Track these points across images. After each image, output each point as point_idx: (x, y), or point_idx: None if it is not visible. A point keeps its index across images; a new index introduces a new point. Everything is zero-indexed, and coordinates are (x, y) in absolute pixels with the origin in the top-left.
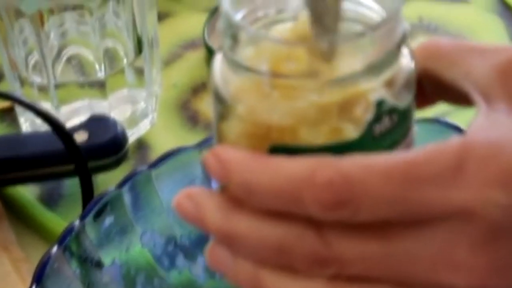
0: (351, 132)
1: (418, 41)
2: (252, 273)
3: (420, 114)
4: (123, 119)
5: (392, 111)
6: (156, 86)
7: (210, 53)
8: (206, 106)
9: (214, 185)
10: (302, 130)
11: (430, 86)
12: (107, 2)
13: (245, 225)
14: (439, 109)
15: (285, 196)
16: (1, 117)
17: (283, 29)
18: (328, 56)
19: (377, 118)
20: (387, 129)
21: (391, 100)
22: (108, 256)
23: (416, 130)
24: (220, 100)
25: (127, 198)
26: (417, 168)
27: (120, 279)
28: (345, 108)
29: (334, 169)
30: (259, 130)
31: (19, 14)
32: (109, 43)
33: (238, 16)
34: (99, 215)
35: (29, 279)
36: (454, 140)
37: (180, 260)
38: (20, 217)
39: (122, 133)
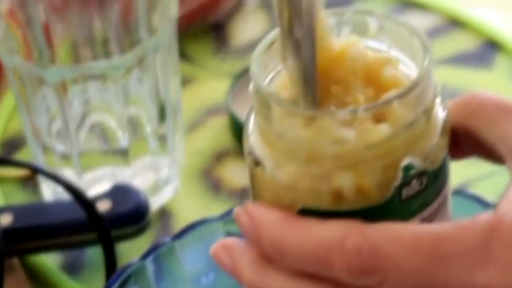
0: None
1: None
2: None
3: None
4: (146, 187)
5: (421, 174)
6: (179, 153)
7: (233, 119)
8: (229, 173)
9: None
10: (329, 195)
11: (467, 141)
12: (131, 70)
13: (277, 283)
14: (463, 177)
15: (315, 260)
16: (22, 185)
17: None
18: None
19: (405, 183)
20: (416, 191)
21: (419, 164)
22: None
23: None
24: (252, 159)
25: (150, 269)
26: (443, 244)
27: None
28: (373, 169)
29: (363, 237)
30: (288, 193)
31: (42, 82)
32: (132, 110)
33: (267, 81)
34: (122, 286)
35: None
36: (483, 217)
37: None
38: (42, 286)
39: (145, 202)
